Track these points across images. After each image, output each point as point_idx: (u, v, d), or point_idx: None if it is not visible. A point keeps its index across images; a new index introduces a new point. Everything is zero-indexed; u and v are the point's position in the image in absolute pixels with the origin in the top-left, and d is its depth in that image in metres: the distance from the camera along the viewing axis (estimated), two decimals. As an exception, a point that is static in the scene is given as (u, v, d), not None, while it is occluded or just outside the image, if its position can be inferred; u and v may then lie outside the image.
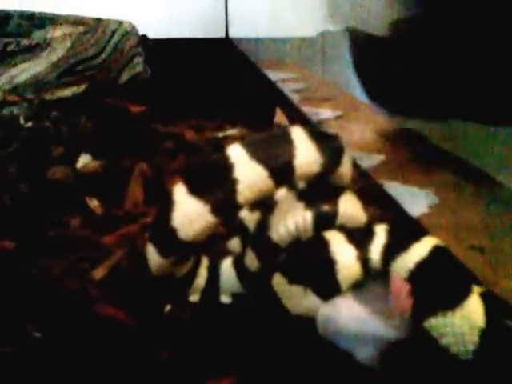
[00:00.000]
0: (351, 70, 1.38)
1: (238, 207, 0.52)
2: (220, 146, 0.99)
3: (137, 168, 0.94)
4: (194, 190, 0.52)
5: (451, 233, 0.74)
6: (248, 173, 0.51)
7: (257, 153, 0.51)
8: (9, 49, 1.35)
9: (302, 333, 0.53)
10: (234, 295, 0.61)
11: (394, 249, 0.52)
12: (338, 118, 1.28)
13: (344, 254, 0.53)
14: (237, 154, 0.52)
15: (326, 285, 0.53)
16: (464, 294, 0.49)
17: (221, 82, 1.57)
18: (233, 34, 2.31)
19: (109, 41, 1.47)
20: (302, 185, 0.57)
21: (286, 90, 1.54)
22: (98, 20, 1.51)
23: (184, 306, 0.60)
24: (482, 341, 0.47)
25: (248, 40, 2.13)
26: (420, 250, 0.51)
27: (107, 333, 0.56)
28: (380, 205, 0.78)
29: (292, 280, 0.54)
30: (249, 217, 0.60)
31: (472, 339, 0.47)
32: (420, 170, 0.96)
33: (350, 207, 0.57)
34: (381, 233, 0.54)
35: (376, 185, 0.91)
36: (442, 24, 0.93)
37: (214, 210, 0.51)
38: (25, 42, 1.38)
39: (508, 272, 0.64)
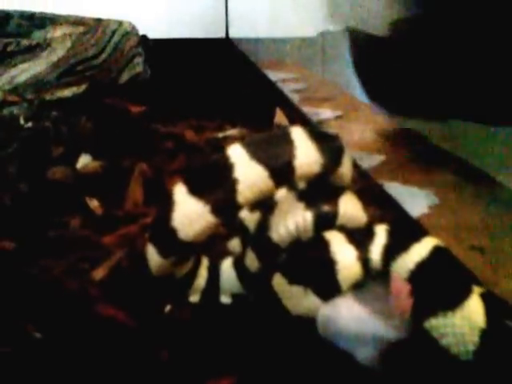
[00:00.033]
0: (351, 70, 1.38)
1: (238, 207, 0.52)
2: (220, 146, 0.99)
3: (137, 168, 0.94)
4: (194, 190, 0.52)
5: (451, 233, 0.74)
6: (248, 173, 0.51)
7: (257, 153, 0.51)
8: (9, 49, 1.35)
9: (303, 333, 0.53)
10: (234, 295, 0.61)
11: (394, 249, 0.52)
12: (338, 118, 1.28)
13: (344, 255, 0.53)
14: (237, 154, 0.52)
15: (327, 285, 0.53)
16: (464, 295, 0.48)
17: (221, 82, 1.57)
18: (233, 34, 2.31)
19: (109, 41, 1.47)
20: (302, 185, 0.57)
21: (286, 90, 1.54)
22: (98, 20, 1.51)
23: (184, 307, 0.60)
24: (483, 341, 0.47)
25: (248, 40, 2.13)
26: (420, 250, 0.51)
27: (107, 333, 0.56)
28: (380, 205, 0.78)
29: (292, 280, 0.54)
30: (249, 217, 0.60)
31: (472, 339, 0.47)
32: (420, 170, 0.96)
33: (350, 207, 0.57)
34: (381, 233, 0.54)
35: (376, 185, 0.91)
36: (442, 24, 0.93)
37: (214, 210, 0.51)
38: (25, 42, 1.38)
39: (508, 272, 0.64)
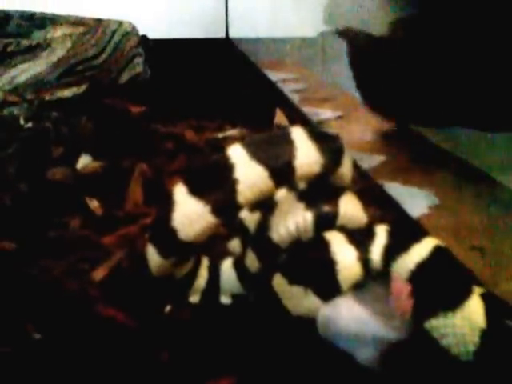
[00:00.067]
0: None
1: (239, 208, 0.52)
2: (220, 146, 0.99)
3: (137, 168, 0.94)
4: (195, 191, 0.52)
5: (451, 233, 0.74)
6: (248, 173, 0.51)
7: (257, 153, 0.51)
8: (9, 49, 1.35)
9: (303, 333, 0.53)
10: (234, 296, 0.61)
11: (394, 249, 0.52)
12: (338, 118, 1.28)
13: (344, 255, 0.53)
14: (237, 154, 0.51)
15: (327, 285, 0.53)
16: (464, 295, 0.49)
17: (221, 82, 1.57)
18: (233, 34, 2.31)
19: (109, 41, 1.47)
20: (302, 185, 0.57)
21: (286, 91, 1.54)
22: (99, 20, 1.51)
23: (184, 307, 0.60)
24: (483, 341, 0.47)
25: (248, 40, 2.13)
26: (420, 250, 0.51)
27: (107, 334, 0.56)
28: (380, 205, 0.78)
29: (292, 280, 0.54)
30: (249, 217, 0.60)
31: (473, 340, 0.47)
32: (420, 170, 0.96)
33: (350, 208, 0.57)
34: (381, 233, 0.54)
35: (376, 185, 0.91)
36: (443, 30, 0.92)
37: (215, 211, 0.51)
38: (25, 42, 1.38)
39: (508, 273, 0.64)
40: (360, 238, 0.54)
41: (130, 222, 0.80)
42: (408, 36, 0.99)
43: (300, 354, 0.52)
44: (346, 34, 1.16)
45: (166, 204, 0.53)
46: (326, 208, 0.56)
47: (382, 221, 0.57)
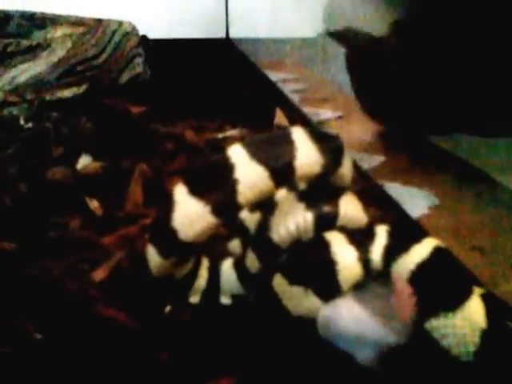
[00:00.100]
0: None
1: (239, 208, 0.52)
2: (220, 146, 0.99)
3: (137, 169, 0.94)
4: (195, 191, 0.52)
5: (452, 234, 0.74)
6: (248, 173, 0.51)
7: (257, 153, 0.51)
8: (9, 49, 1.35)
9: (303, 334, 0.53)
10: (234, 296, 0.61)
11: (394, 250, 0.52)
12: (338, 118, 1.28)
13: (345, 255, 0.53)
14: (237, 154, 0.51)
15: (327, 286, 0.53)
16: (465, 295, 0.48)
17: (221, 82, 1.57)
18: (233, 34, 2.31)
19: (109, 41, 1.47)
20: (302, 185, 0.57)
21: (286, 91, 1.54)
22: (99, 20, 1.51)
23: (184, 307, 0.60)
24: (483, 342, 0.47)
25: (248, 40, 2.13)
26: (421, 251, 0.51)
27: (107, 334, 0.56)
28: (380, 206, 0.78)
29: (293, 281, 0.54)
30: (249, 218, 0.60)
31: (473, 340, 0.47)
32: (420, 170, 0.96)
33: (350, 208, 0.57)
34: (381, 234, 0.54)
35: (376, 186, 0.91)
36: (445, 35, 0.92)
37: (215, 211, 0.51)
38: (25, 42, 1.37)
39: (509, 273, 0.64)
40: (360, 238, 0.54)
41: (129, 223, 0.80)
42: (408, 43, 0.99)
43: (300, 355, 0.52)
44: (342, 37, 1.16)
45: (166, 204, 0.53)
46: (327, 208, 0.55)
47: (382, 221, 0.57)
